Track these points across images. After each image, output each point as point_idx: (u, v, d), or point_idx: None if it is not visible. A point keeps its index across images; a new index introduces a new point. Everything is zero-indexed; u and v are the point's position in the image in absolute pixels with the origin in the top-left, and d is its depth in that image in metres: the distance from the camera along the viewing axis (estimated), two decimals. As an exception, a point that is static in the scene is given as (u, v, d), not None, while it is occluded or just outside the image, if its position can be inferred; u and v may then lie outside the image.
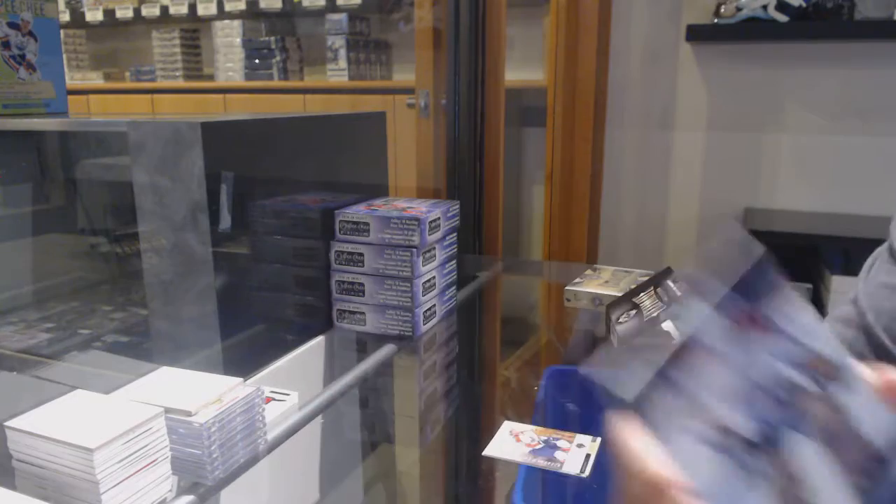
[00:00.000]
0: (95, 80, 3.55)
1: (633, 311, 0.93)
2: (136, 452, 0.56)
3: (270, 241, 0.99)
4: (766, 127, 2.25)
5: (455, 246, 1.12)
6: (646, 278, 1.15)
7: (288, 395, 0.78)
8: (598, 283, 1.20)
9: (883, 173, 2.13)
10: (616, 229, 2.39)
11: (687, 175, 2.37)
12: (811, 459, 0.26)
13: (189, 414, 0.60)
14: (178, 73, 3.34)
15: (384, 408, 1.03)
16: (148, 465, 0.57)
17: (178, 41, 3.32)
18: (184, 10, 3.22)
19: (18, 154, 1.22)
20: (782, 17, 2.04)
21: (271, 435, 0.71)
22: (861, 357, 0.49)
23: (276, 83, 3.04)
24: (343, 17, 2.84)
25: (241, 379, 0.67)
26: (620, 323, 0.92)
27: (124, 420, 0.56)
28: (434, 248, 1.04)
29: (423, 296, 1.02)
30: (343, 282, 1.03)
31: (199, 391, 0.63)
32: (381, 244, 0.99)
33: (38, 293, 1.22)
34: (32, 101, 1.17)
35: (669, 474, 0.27)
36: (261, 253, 0.97)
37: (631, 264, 1.35)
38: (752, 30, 2.11)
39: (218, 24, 3.18)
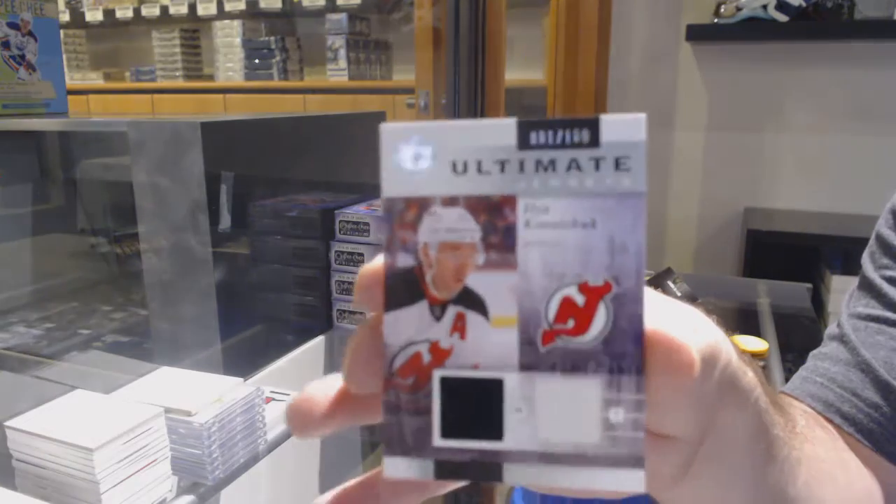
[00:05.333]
0: (95, 80, 3.55)
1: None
2: (136, 452, 0.56)
3: (270, 241, 0.99)
4: (766, 127, 2.25)
5: (455, 246, 1.12)
6: (646, 278, 1.15)
7: (288, 395, 0.78)
8: (598, 283, 1.20)
9: (883, 173, 2.13)
10: (616, 229, 2.40)
11: (687, 175, 2.37)
12: None
13: (189, 414, 0.60)
14: (178, 73, 3.34)
15: (384, 408, 1.03)
16: (148, 465, 0.57)
17: (178, 41, 3.32)
18: (184, 10, 3.22)
19: (18, 154, 1.22)
20: (782, 17, 2.04)
21: (271, 435, 0.71)
22: (854, 395, 0.48)
23: (276, 83, 3.04)
24: (343, 17, 2.84)
25: (241, 379, 0.67)
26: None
27: (124, 420, 0.56)
28: (434, 248, 1.04)
29: (423, 296, 1.02)
30: (343, 282, 1.03)
31: (199, 391, 0.63)
32: (381, 244, 0.99)
33: (38, 293, 1.22)
34: (32, 101, 1.17)
35: None
36: (261, 253, 0.97)
37: (631, 264, 1.35)
38: (752, 30, 2.11)
39: (218, 24, 3.18)
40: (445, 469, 0.22)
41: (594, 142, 0.22)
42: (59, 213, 1.28)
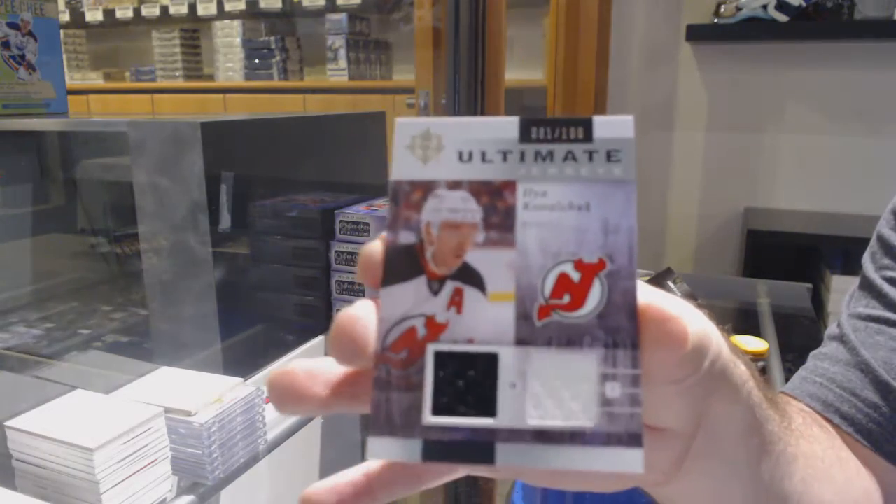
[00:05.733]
0: (95, 80, 3.55)
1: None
2: (136, 452, 0.56)
3: (270, 241, 0.99)
4: (766, 127, 2.25)
5: (455, 246, 1.12)
6: (646, 279, 1.15)
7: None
8: (598, 283, 1.19)
9: (883, 173, 2.13)
10: (616, 229, 2.39)
11: (687, 175, 2.37)
12: None
13: (189, 414, 0.60)
14: (178, 73, 3.34)
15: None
16: (148, 465, 0.57)
17: (178, 41, 3.32)
18: (184, 10, 3.22)
19: (18, 154, 1.22)
20: (782, 17, 2.04)
21: (271, 435, 0.71)
22: (853, 395, 0.48)
23: (276, 83, 3.04)
24: (343, 17, 2.84)
25: (241, 379, 0.67)
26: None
27: (124, 420, 0.56)
28: (434, 248, 1.04)
29: (423, 296, 1.02)
30: (343, 282, 1.03)
31: (199, 391, 0.63)
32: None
33: (38, 293, 1.22)
34: (32, 101, 1.17)
35: None
36: (261, 253, 0.97)
37: (631, 264, 1.35)
38: (752, 30, 2.11)
39: (218, 24, 3.18)
40: (434, 450, 0.21)
41: (588, 137, 0.23)
42: (59, 213, 1.28)
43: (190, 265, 0.86)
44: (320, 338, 1.03)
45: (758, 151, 2.27)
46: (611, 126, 0.23)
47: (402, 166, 0.24)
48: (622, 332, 0.22)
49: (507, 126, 0.23)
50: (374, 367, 0.22)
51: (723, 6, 2.14)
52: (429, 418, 0.22)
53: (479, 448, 0.21)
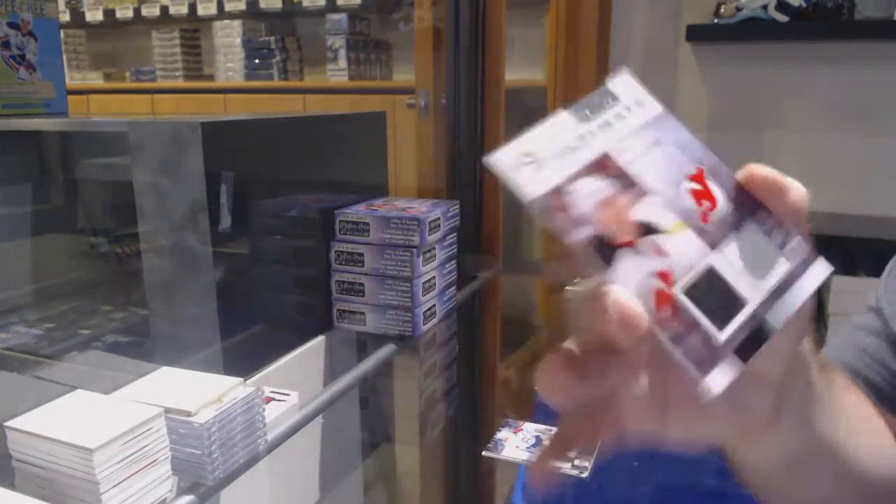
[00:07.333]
0: (95, 80, 3.55)
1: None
2: (136, 452, 0.56)
3: (270, 241, 0.99)
4: (766, 127, 2.25)
5: (455, 246, 1.12)
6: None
7: (288, 395, 0.78)
8: (598, 283, 1.19)
9: (883, 173, 2.13)
10: (616, 229, 2.39)
11: (687, 175, 2.37)
12: None
13: (189, 414, 0.60)
14: (178, 73, 3.34)
15: (384, 408, 1.03)
16: (148, 465, 0.57)
17: (178, 41, 3.32)
18: (184, 10, 3.22)
19: (18, 154, 1.22)
20: (782, 17, 2.04)
21: (271, 435, 0.71)
22: (882, 365, 0.48)
23: (276, 83, 3.04)
24: (343, 17, 2.84)
25: (241, 379, 0.67)
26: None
27: (124, 420, 0.56)
28: (434, 248, 1.04)
29: (423, 296, 1.02)
30: (343, 282, 1.03)
31: (199, 391, 0.63)
32: (381, 244, 0.99)
33: (38, 293, 1.22)
34: (32, 101, 1.17)
35: None
36: (261, 253, 0.97)
37: (631, 264, 1.35)
38: (752, 30, 2.11)
39: (218, 24, 3.18)
40: (743, 351, 0.27)
41: (615, 98, 0.30)
42: (59, 213, 1.28)
43: (190, 265, 0.86)
44: (320, 338, 1.03)
45: (758, 151, 2.27)
46: (617, 84, 0.30)
47: (524, 186, 0.27)
48: (753, 204, 0.30)
49: (564, 121, 0.28)
50: (660, 330, 0.26)
51: (723, 6, 2.14)
52: (720, 336, 0.27)
53: (759, 330, 0.27)
